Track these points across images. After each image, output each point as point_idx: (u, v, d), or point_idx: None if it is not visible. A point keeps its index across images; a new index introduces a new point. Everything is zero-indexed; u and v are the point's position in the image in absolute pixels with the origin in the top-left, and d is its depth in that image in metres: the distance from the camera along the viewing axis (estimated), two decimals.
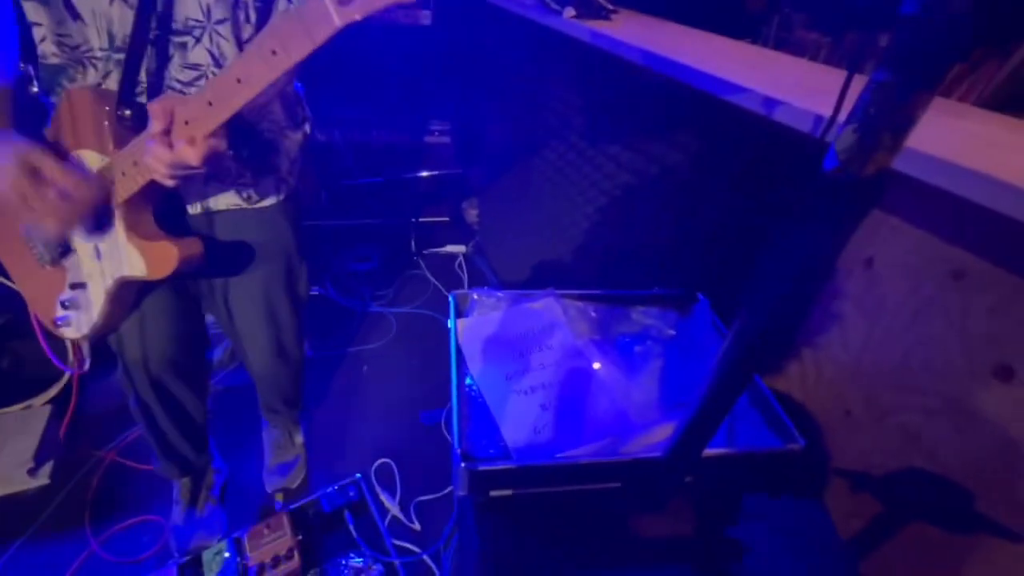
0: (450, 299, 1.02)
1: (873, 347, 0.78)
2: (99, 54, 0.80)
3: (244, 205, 1.00)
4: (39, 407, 1.49)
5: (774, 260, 0.46)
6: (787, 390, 0.93)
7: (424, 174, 2.37)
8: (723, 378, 0.53)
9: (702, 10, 1.51)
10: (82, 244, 0.88)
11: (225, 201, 0.98)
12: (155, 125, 0.68)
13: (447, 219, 2.53)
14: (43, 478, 1.38)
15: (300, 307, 1.20)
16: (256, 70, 0.62)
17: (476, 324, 0.99)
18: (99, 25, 0.78)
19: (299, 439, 1.49)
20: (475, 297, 1.03)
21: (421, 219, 2.44)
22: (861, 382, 0.80)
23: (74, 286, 0.91)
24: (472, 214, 2.57)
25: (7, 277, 1.31)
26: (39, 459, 1.37)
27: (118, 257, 0.85)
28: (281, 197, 1.04)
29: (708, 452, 0.66)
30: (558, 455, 0.77)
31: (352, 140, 2.17)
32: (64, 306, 0.92)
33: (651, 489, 0.76)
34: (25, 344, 1.48)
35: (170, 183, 0.74)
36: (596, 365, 0.94)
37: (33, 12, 0.77)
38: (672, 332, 1.03)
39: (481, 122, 2.37)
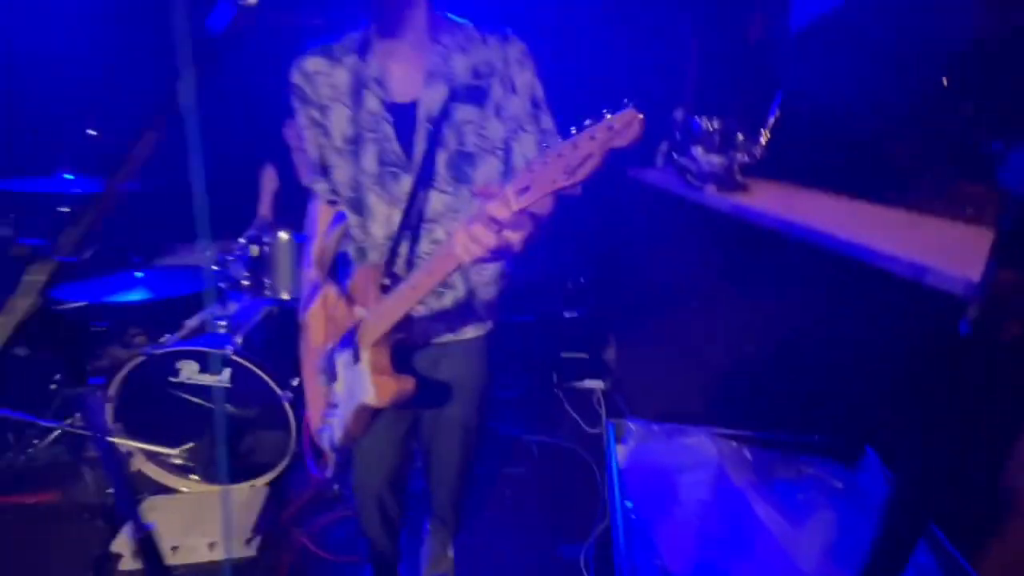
0: (608, 427, 1.15)
1: None
2: (380, 241, 1.15)
3: (453, 338, 1.17)
4: (260, 487, 1.85)
5: (936, 413, 0.52)
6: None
7: (567, 314, 2.66)
8: (890, 538, 0.55)
9: (839, 173, 1.63)
10: (342, 373, 1.17)
11: (442, 337, 1.16)
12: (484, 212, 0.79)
13: (586, 355, 2.72)
14: (253, 549, 1.67)
15: (485, 430, 1.38)
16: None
17: (634, 453, 1.10)
18: (382, 223, 1.13)
19: (451, 553, 1.60)
20: (631, 427, 1.15)
21: (563, 355, 2.66)
22: None
23: (331, 405, 1.20)
24: (610, 352, 2.73)
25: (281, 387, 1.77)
26: (256, 531, 1.68)
27: (360, 386, 1.10)
28: (486, 328, 1.20)
29: None
30: None
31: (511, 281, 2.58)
32: (324, 419, 1.21)
33: None
34: (258, 436, 1.91)
35: (469, 258, 0.81)
36: (758, 509, 0.96)
37: (352, 219, 1.20)
38: (839, 484, 1.01)
39: (620, 272, 2.66)
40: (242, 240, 1.88)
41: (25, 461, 1.99)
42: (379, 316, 1.01)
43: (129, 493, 0.66)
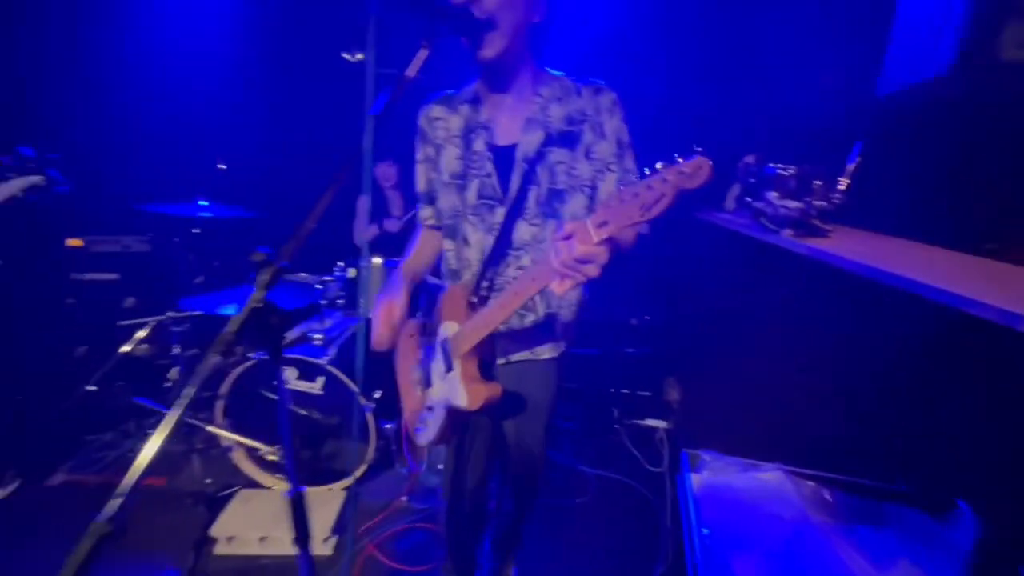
0: (683, 455, 1.18)
1: None
2: (474, 265, 1.29)
3: (530, 357, 1.32)
4: (338, 490, 1.99)
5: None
6: None
7: (631, 351, 2.68)
8: None
9: (922, 221, 1.61)
10: (437, 380, 1.28)
11: (519, 355, 1.32)
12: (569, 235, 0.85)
13: (649, 393, 2.71)
14: (329, 549, 1.80)
15: (544, 453, 1.40)
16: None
17: (708, 483, 1.12)
18: (475, 248, 1.26)
19: (512, 572, 1.64)
20: (706, 458, 1.18)
21: (624, 391, 2.68)
22: None
23: (428, 408, 1.33)
24: (673, 392, 2.71)
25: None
26: (333, 532, 1.81)
27: (454, 392, 1.21)
28: (559, 350, 1.28)
29: None
30: None
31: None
32: (421, 420, 1.35)
33: None
34: (340, 443, 2.07)
35: (567, 281, 0.88)
36: (841, 552, 0.96)
37: (448, 244, 1.35)
38: (926, 535, 0.98)
39: (686, 312, 2.67)
40: (340, 263, 2.11)
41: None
42: (469, 330, 1.13)
43: (296, 455, 0.80)
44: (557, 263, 0.85)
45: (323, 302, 2.10)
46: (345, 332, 2.14)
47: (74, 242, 2.68)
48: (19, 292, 2.60)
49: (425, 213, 1.31)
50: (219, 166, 2.58)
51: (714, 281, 2.40)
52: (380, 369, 2.24)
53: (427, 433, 1.27)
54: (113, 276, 2.75)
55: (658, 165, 0.75)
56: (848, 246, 1.49)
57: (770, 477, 1.11)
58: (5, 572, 1.70)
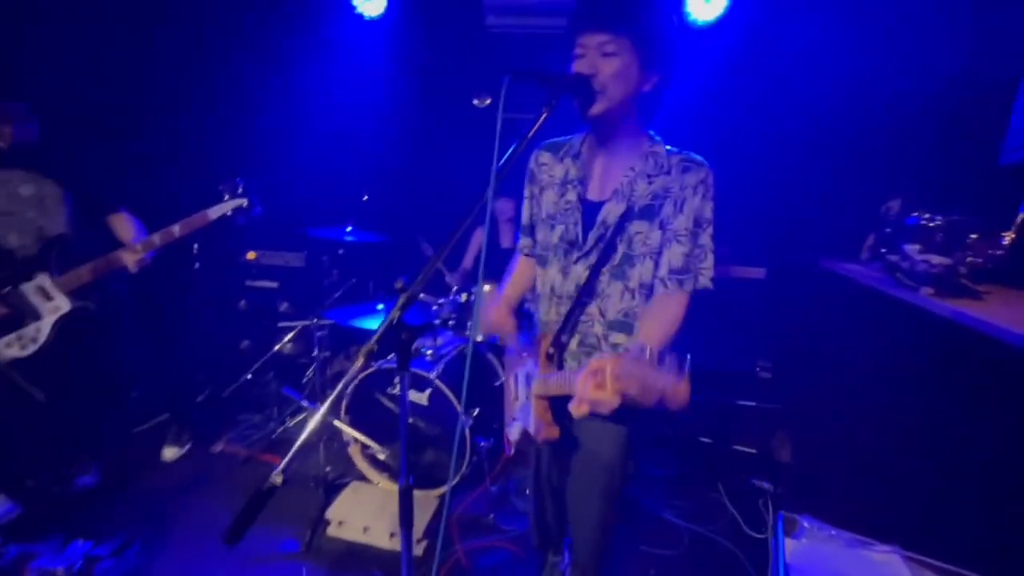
0: (779, 517, 1.12)
1: None
2: (551, 293, 1.36)
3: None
4: (432, 497, 2.16)
5: None
6: None
7: (740, 403, 2.52)
8: None
9: None
10: (522, 397, 1.42)
11: None
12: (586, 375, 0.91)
13: (755, 451, 2.51)
14: (420, 550, 1.95)
15: (618, 496, 1.41)
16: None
17: (805, 551, 1.05)
18: (553, 280, 1.36)
19: None
20: (805, 525, 1.10)
21: (726, 443, 2.51)
22: None
23: (514, 419, 1.47)
24: (784, 452, 2.48)
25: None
26: (424, 535, 1.96)
27: (527, 417, 1.35)
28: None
29: None
30: None
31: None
32: (512, 419, 1.48)
33: None
34: (438, 453, 2.24)
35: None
36: None
37: (539, 271, 1.44)
38: None
39: (806, 367, 2.45)
40: (455, 287, 2.33)
41: (280, 431, 2.67)
42: (540, 380, 1.26)
43: (407, 451, 0.95)
44: (577, 393, 0.92)
45: (436, 321, 2.33)
46: (453, 350, 2.34)
47: (251, 255, 3.29)
48: (206, 292, 3.26)
49: (523, 242, 1.47)
50: (364, 198, 3.01)
51: (838, 335, 2.20)
52: (481, 390, 2.42)
53: (513, 432, 1.42)
54: (274, 284, 3.32)
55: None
56: (1005, 312, 1.30)
57: (883, 559, 1.00)
58: (175, 514, 2.11)
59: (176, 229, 2.01)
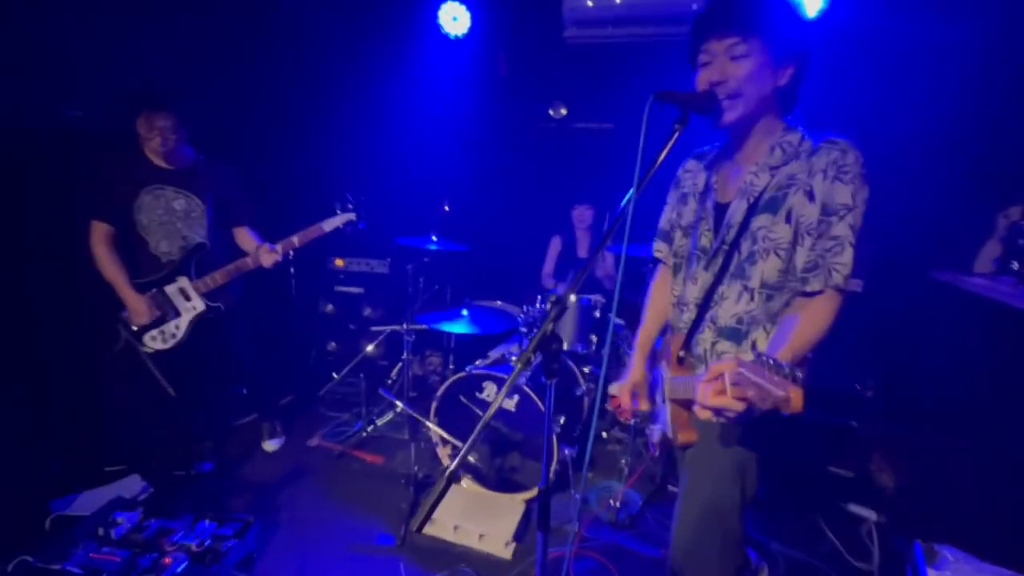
0: (916, 547, 1.06)
1: None
2: (684, 301, 1.32)
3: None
4: (519, 501, 2.20)
5: None
6: None
7: (837, 422, 2.39)
8: None
9: None
10: (660, 402, 1.37)
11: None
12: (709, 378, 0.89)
13: (851, 474, 2.37)
14: (509, 553, 1.99)
15: (742, 513, 1.29)
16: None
17: None
18: (687, 287, 1.32)
19: None
20: (949, 556, 1.04)
21: (823, 466, 2.38)
22: None
23: (655, 416, 1.41)
24: (884, 478, 2.32)
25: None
26: (514, 539, 2.00)
27: (665, 422, 1.31)
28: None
29: None
30: None
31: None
32: (651, 421, 1.44)
33: None
34: (524, 459, 2.28)
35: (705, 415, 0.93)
36: None
37: (677, 278, 1.40)
38: None
39: (915, 385, 2.29)
40: (540, 296, 2.38)
41: (371, 430, 2.82)
42: (673, 384, 1.23)
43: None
44: (697, 399, 0.90)
45: (523, 329, 2.38)
46: (539, 358, 2.38)
47: (339, 262, 3.51)
48: (299, 295, 3.50)
49: (657, 246, 1.44)
50: (445, 208, 3.14)
51: (955, 352, 2.04)
52: (565, 398, 2.44)
53: (655, 434, 1.38)
54: (359, 290, 3.52)
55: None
56: None
57: None
58: (281, 502, 2.29)
59: (296, 239, 2.23)
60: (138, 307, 2.16)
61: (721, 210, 1.22)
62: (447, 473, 0.83)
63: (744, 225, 1.14)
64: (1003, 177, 2.32)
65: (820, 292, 1.06)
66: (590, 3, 3.04)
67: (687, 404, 1.20)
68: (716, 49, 1.05)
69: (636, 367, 1.38)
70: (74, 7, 2.30)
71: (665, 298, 1.41)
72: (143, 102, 2.08)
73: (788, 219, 1.09)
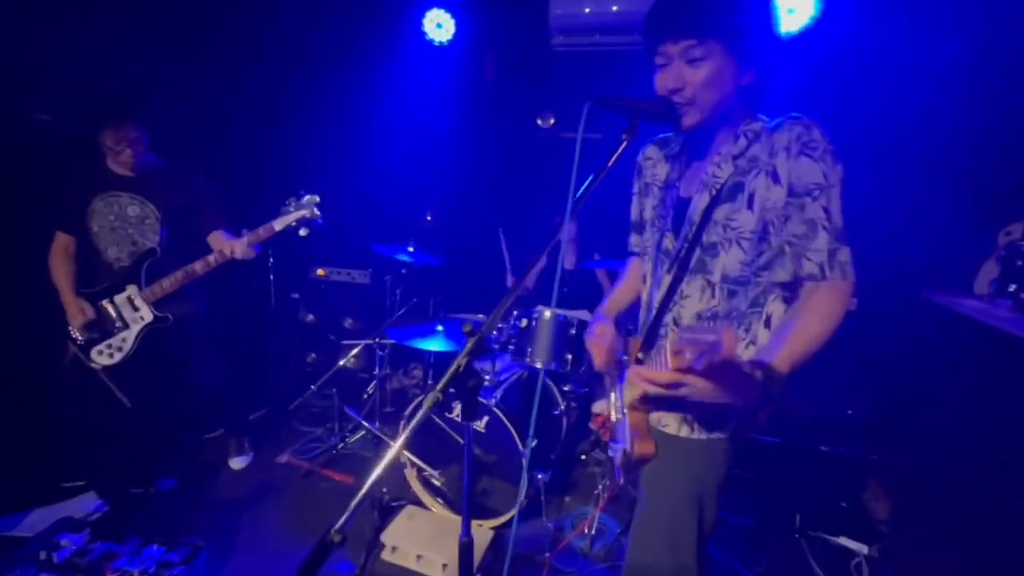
0: None
1: None
2: (648, 299, 1.22)
3: (678, 433, 1.13)
4: (487, 528, 2.09)
5: None
6: None
7: (824, 448, 2.26)
8: None
9: None
10: (619, 415, 1.24)
11: (674, 427, 1.14)
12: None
13: (843, 504, 2.24)
14: None
15: (700, 545, 1.17)
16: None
17: None
18: (650, 285, 1.22)
19: None
20: None
21: (810, 494, 2.26)
22: None
23: (615, 440, 1.26)
24: (880, 508, 2.19)
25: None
26: (477, 571, 1.88)
27: (623, 434, 1.17)
28: (710, 437, 1.11)
29: None
30: None
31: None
32: (613, 440, 1.27)
33: None
34: (494, 482, 2.17)
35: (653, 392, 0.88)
36: None
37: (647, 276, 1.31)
38: None
39: (906, 411, 2.16)
40: (515, 312, 2.28)
41: (341, 447, 2.72)
42: (627, 382, 1.11)
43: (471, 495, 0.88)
44: (639, 377, 0.86)
45: (495, 346, 2.28)
46: (512, 376, 2.28)
47: (321, 272, 3.43)
48: (279, 306, 3.42)
49: (633, 240, 1.35)
50: (427, 218, 3.06)
51: (950, 377, 1.92)
52: (540, 419, 2.33)
53: (618, 455, 1.23)
54: (340, 301, 3.43)
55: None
56: None
57: None
58: (241, 523, 2.18)
59: (245, 239, 2.14)
60: (73, 310, 2.09)
61: (683, 205, 1.12)
62: (327, 539, 0.72)
63: (705, 218, 1.04)
64: (1004, 191, 2.21)
65: (796, 284, 0.98)
66: (587, 10, 2.97)
67: (645, 406, 1.10)
68: (671, 52, 0.95)
69: (606, 312, 1.29)
70: (40, 9, 2.25)
71: (638, 277, 1.31)
72: (109, 113, 2.02)
73: (750, 205, 0.99)
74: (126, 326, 2.15)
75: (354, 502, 0.76)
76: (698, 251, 1.07)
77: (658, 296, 1.15)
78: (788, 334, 0.93)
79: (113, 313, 2.14)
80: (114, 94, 2.15)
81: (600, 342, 1.21)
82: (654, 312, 1.15)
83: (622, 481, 1.26)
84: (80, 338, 2.12)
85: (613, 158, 0.90)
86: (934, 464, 1.96)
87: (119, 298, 2.14)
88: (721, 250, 1.03)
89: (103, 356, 2.13)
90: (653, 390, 0.86)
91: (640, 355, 1.15)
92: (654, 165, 1.23)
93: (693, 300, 1.09)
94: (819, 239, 0.91)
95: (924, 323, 2.04)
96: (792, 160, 0.93)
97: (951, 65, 2.27)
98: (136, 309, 2.15)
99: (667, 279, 1.13)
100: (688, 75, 0.95)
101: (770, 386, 0.87)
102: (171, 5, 2.68)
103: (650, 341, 1.15)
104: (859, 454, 2.22)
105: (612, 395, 1.31)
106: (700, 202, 1.06)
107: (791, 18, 2.43)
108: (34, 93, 2.34)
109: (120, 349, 2.14)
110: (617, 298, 1.37)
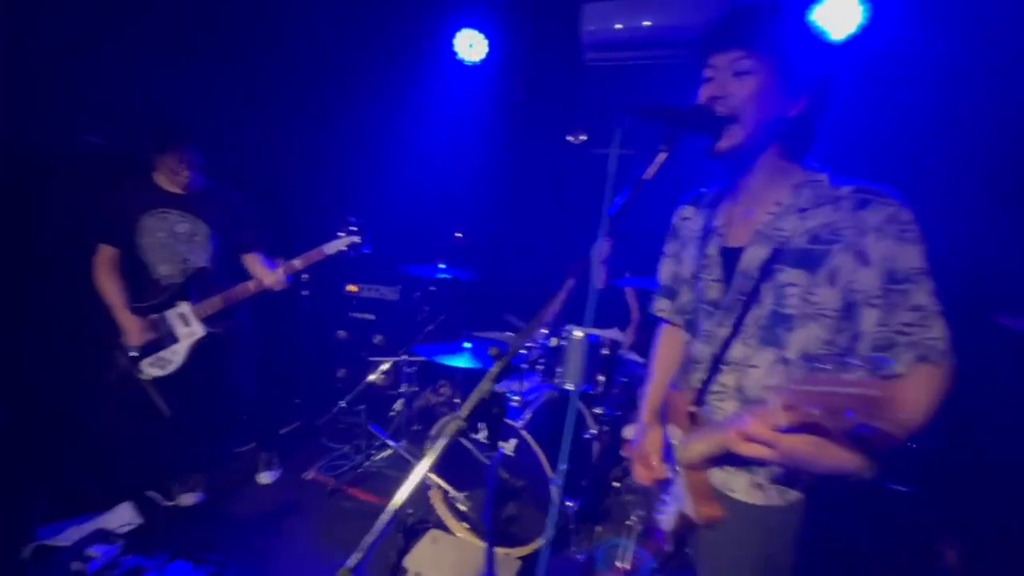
0: None
1: None
2: (699, 361, 1.11)
3: (743, 499, 1.02)
4: (513, 558, 1.99)
5: None
6: None
7: (891, 487, 2.07)
8: None
9: None
10: (670, 474, 1.16)
11: (743, 491, 1.02)
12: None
13: (907, 549, 2.03)
14: None
15: None
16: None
17: None
18: (702, 347, 1.12)
19: None
20: None
21: (877, 540, 2.06)
22: None
23: (664, 502, 1.19)
24: (950, 555, 1.97)
25: None
26: None
27: (679, 496, 1.10)
28: (792, 497, 1.00)
29: None
30: None
31: None
32: (661, 502, 1.19)
33: None
34: (521, 508, 2.08)
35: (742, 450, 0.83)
36: None
37: (687, 337, 1.21)
38: None
39: (979, 447, 1.95)
40: (545, 330, 2.21)
41: (366, 466, 2.69)
42: (687, 444, 1.04)
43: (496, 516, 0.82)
44: (739, 429, 0.80)
45: (524, 365, 2.22)
46: (540, 397, 2.20)
47: (352, 288, 3.47)
48: (313, 321, 3.46)
49: (659, 304, 1.28)
50: (457, 235, 3.05)
51: None
52: (573, 446, 2.23)
53: (667, 519, 1.15)
54: (371, 317, 3.45)
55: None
56: None
57: None
58: (267, 540, 2.16)
59: (297, 262, 2.22)
60: (131, 327, 2.14)
61: (730, 256, 1.03)
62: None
63: (764, 275, 0.97)
64: None
65: (902, 375, 0.87)
66: (618, 25, 2.94)
67: (708, 464, 1.02)
68: (720, 63, 0.92)
69: (647, 423, 1.22)
70: (94, 39, 2.39)
71: (673, 354, 1.25)
72: (172, 136, 2.12)
73: (832, 282, 0.91)
74: (176, 340, 2.20)
75: (370, 537, 0.70)
76: (756, 311, 0.99)
77: (708, 352, 1.07)
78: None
79: (164, 327, 2.20)
80: (177, 120, 2.24)
81: (641, 462, 1.17)
82: (705, 370, 1.07)
83: (668, 548, 1.16)
84: (134, 351, 2.18)
85: (650, 172, 0.84)
86: (1011, 509, 1.75)
87: (170, 313, 2.20)
88: (798, 325, 0.95)
89: (154, 368, 2.19)
90: (747, 448, 0.81)
91: (692, 409, 1.07)
92: (692, 222, 1.17)
93: (761, 372, 0.99)
94: (937, 326, 0.87)
95: (1000, 351, 1.85)
96: (889, 243, 0.87)
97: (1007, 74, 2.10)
98: (187, 324, 2.20)
99: (719, 332, 1.04)
100: (733, 87, 0.90)
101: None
102: (211, 42, 2.80)
103: (700, 399, 1.07)
104: (928, 493, 2.02)
105: (647, 443, 1.21)
106: (757, 254, 0.98)
107: (837, 25, 2.31)
108: (85, 117, 2.48)
109: (171, 362, 2.20)
110: (655, 394, 1.27)
